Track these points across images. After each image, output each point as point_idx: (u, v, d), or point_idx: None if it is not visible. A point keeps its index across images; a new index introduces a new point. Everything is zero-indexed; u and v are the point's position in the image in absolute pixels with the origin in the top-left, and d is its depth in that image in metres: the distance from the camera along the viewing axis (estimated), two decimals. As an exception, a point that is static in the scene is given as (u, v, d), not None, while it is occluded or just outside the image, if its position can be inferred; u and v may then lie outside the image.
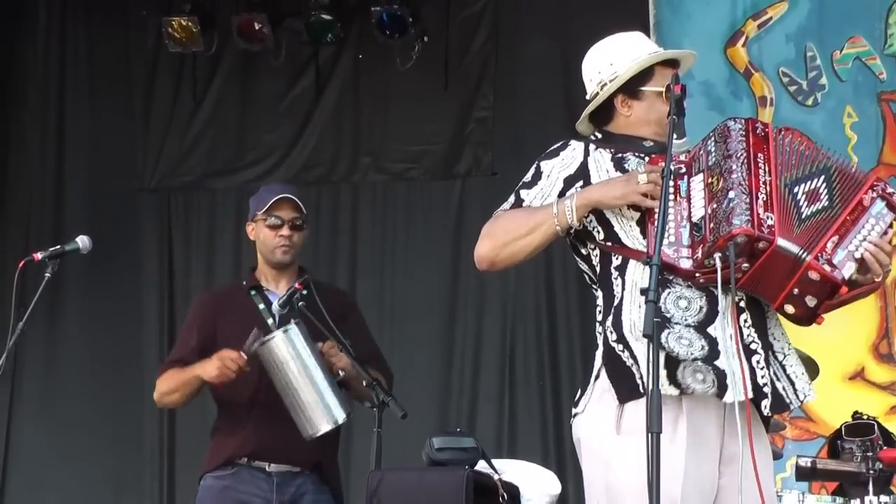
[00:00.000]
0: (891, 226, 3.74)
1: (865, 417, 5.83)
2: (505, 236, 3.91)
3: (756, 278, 3.69)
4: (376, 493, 5.10)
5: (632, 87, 4.01)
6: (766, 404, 3.75)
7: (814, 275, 3.65)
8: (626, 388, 3.74)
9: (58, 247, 5.09)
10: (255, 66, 8.39)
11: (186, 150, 8.46)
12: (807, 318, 3.73)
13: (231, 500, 5.06)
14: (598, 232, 3.86)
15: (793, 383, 3.83)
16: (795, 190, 3.71)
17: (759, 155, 3.72)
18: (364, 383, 5.18)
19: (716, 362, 3.69)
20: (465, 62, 8.17)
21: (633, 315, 3.75)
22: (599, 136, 4.02)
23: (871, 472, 5.52)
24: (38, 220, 8.51)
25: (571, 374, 7.64)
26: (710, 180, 3.72)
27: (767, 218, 3.63)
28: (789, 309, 3.73)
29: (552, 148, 3.97)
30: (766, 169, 3.70)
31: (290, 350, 4.97)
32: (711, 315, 3.70)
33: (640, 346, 3.69)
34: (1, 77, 8.66)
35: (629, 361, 3.75)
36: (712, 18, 7.61)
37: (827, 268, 3.64)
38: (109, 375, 8.21)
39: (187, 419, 7.77)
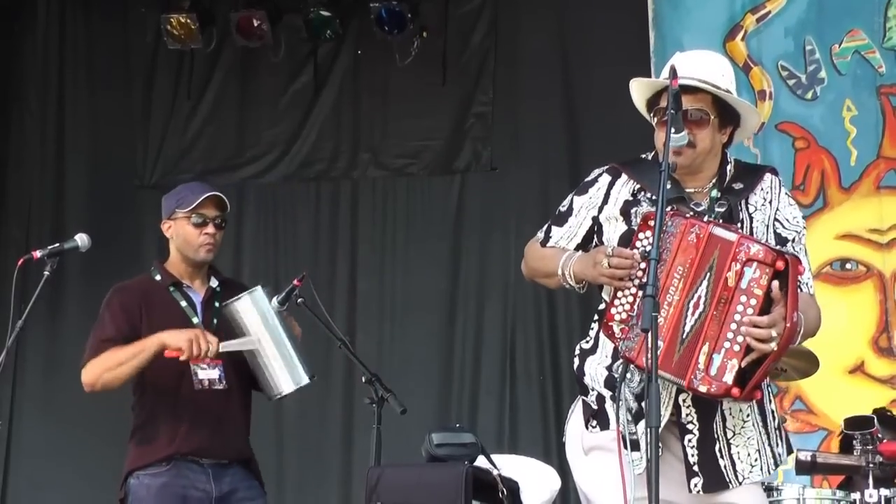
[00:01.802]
0: (769, 286, 3.63)
1: (888, 413, 5.86)
2: (533, 272, 4.14)
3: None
4: (376, 488, 5.11)
5: (652, 111, 4.01)
6: (696, 482, 3.84)
7: (699, 394, 3.70)
8: (588, 414, 3.97)
9: (56, 245, 5.07)
10: (254, 63, 8.39)
11: (186, 147, 8.46)
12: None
13: (173, 497, 4.93)
14: None
15: (733, 464, 3.88)
16: (689, 304, 3.70)
17: (680, 267, 3.71)
18: (364, 379, 5.17)
19: (637, 425, 3.82)
20: (464, 58, 8.17)
21: (598, 374, 3.95)
22: (641, 160, 4.04)
23: (872, 465, 5.52)
24: (38, 218, 8.52)
25: (572, 370, 7.62)
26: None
27: None
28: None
29: (587, 179, 4.07)
30: (678, 286, 3.70)
31: (257, 311, 4.92)
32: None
33: (600, 394, 3.93)
34: (1, 75, 8.66)
35: (591, 401, 3.96)
36: (711, 13, 7.61)
37: (703, 387, 3.64)
38: (110, 372, 8.20)
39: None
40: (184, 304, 5.04)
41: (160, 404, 4.97)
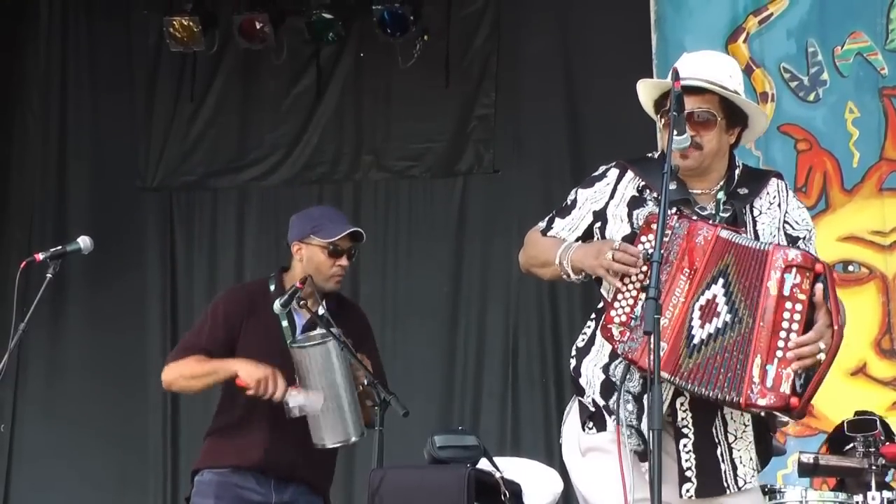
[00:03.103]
0: (812, 290, 3.62)
1: (872, 416, 5.84)
2: (529, 259, 4.12)
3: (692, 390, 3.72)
4: (378, 491, 5.10)
5: (659, 112, 3.99)
6: (688, 488, 3.81)
7: (757, 409, 3.65)
8: (584, 415, 3.92)
9: (59, 247, 5.09)
10: (257, 66, 8.40)
11: (188, 150, 8.47)
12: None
13: (231, 494, 5.08)
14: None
15: (735, 468, 3.85)
16: (694, 306, 3.68)
17: (686, 269, 3.70)
18: (366, 381, 5.19)
19: (643, 426, 3.80)
20: (466, 60, 8.17)
21: (594, 375, 3.89)
22: (647, 158, 4.03)
23: (874, 467, 5.52)
24: (41, 220, 8.52)
25: (572, 371, 7.63)
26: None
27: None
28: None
29: (593, 174, 4.05)
30: (685, 288, 3.68)
31: (324, 359, 4.99)
32: (646, 387, 3.73)
33: (595, 398, 3.87)
34: (3, 77, 8.67)
35: (587, 402, 3.91)
36: (713, 15, 7.60)
37: (762, 400, 3.60)
38: (112, 374, 8.22)
39: (190, 417, 7.80)
40: (285, 324, 5.12)
41: (239, 413, 5.09)
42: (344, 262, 5.20)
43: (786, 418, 6.69)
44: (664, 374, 3.64)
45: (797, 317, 3.61)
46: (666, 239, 3.72)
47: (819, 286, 3.63)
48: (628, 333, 3.71)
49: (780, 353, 3.60)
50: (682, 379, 3.67)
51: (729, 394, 3.62)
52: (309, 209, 5.49)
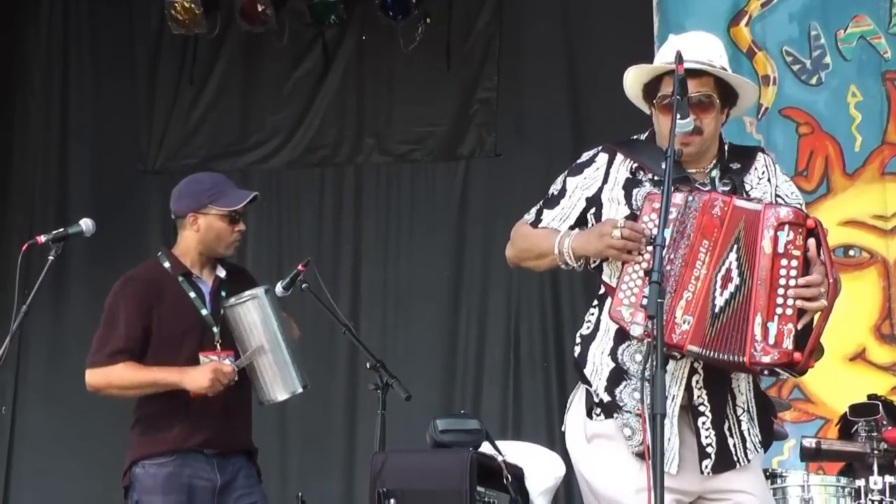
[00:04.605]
0: (805, 245, 3.66)
1: (884, 399, 5.85)
2: (521, 253, 4.07)
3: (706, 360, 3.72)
4: (380, 474, 5.12)
5: (649, 96, 3.97)
6: (706, 464, 3.82)
7: (762, 367, 3.65)
8: (591, 402, 3.91)
9: (61, 230, 5.06)
10: (259, 49, 8.38)
11: (190, 133, 8.47)
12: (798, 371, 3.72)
13: (179, 486, 4.92)
14: (592, 260, 3.95)
15: (744, 441, 3.87)
16: (717, 277, 3.68)
17: (705, 241, 3.70)
18: (368, 365, 5.18)
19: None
20: (468, 43, 8.16)
21: (602, 363, 3.88)
22: (635, 140, 4.02)
23: (876, 451, 5.52)
24: (43, 204, 8.52)
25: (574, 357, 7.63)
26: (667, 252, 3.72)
27: (684, 322, 3.65)
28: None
29: (581, 160, 4.02)
30: (705, 260, 3.69)
31: (260, 314, 4.91)
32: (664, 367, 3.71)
33: (600, 384, 3.86)
34: (4, 61, 8.66)
35: (594, 391, 3.89)
36: (715, -3, 7.61)
37: (766, 358, 3.61)
38: (114, 358, 8.21)
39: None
40: (192, 295, 5.01)
41: (168, 394, 4.93)
42: (242, 227, 5.11)
43: (789, 404, 6.74)
44: (693, 348, 3.65)
45: (793, 273, 3.64)
46: (675, 214, 3.72)
47: (812, 241, 3.66)
48: (640, 314, 3.70)
49: (779, 311, 3.62)
50: (707, 349, 3.67)
51: (736, 355, 3.63)
52: (194, 177, 5.25)
